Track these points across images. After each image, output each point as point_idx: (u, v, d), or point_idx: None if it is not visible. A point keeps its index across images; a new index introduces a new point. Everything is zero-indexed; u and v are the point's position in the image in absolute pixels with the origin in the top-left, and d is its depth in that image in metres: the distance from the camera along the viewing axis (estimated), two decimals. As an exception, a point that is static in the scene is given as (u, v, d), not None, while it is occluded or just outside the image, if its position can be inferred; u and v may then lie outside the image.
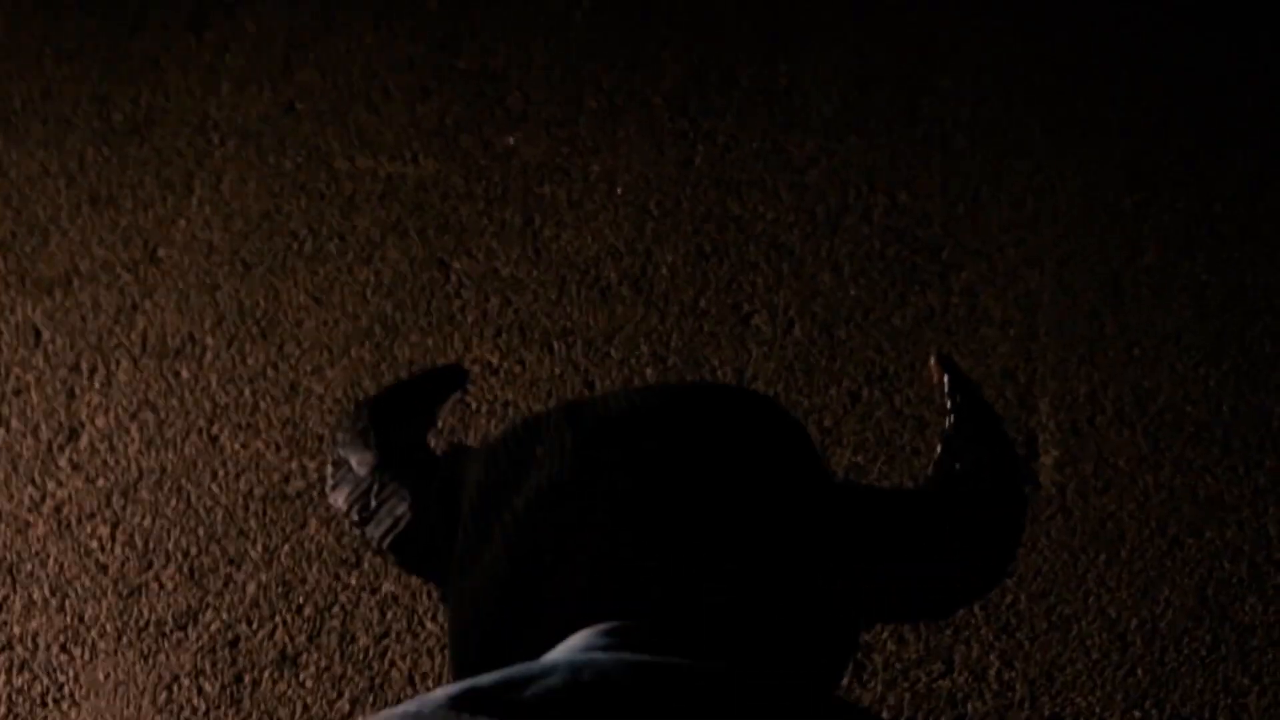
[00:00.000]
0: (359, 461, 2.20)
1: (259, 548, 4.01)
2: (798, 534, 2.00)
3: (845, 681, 3.47)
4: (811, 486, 2.10)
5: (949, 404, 2.34)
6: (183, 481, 4.16)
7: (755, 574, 1.92)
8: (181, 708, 3.77)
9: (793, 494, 2.05)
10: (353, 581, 3.92)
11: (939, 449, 2.28)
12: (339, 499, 2.18)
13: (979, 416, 2.33)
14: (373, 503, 2.15)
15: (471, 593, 1.95)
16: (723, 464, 2.00)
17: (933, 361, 2.42)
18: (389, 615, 3.86)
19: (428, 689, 2.95)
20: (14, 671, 3.82)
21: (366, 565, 3.93)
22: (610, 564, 1.85)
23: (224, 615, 3.91)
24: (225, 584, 3.96)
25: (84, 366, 4.42)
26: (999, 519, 2.18)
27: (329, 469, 2.22)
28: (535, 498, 1.93)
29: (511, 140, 4.95)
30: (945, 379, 2.37)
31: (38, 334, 4.50)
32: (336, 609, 3.88)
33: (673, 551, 1.87)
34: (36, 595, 3.95)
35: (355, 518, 2.16)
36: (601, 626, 1.75)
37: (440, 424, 4.10)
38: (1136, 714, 3.69)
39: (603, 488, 1.91)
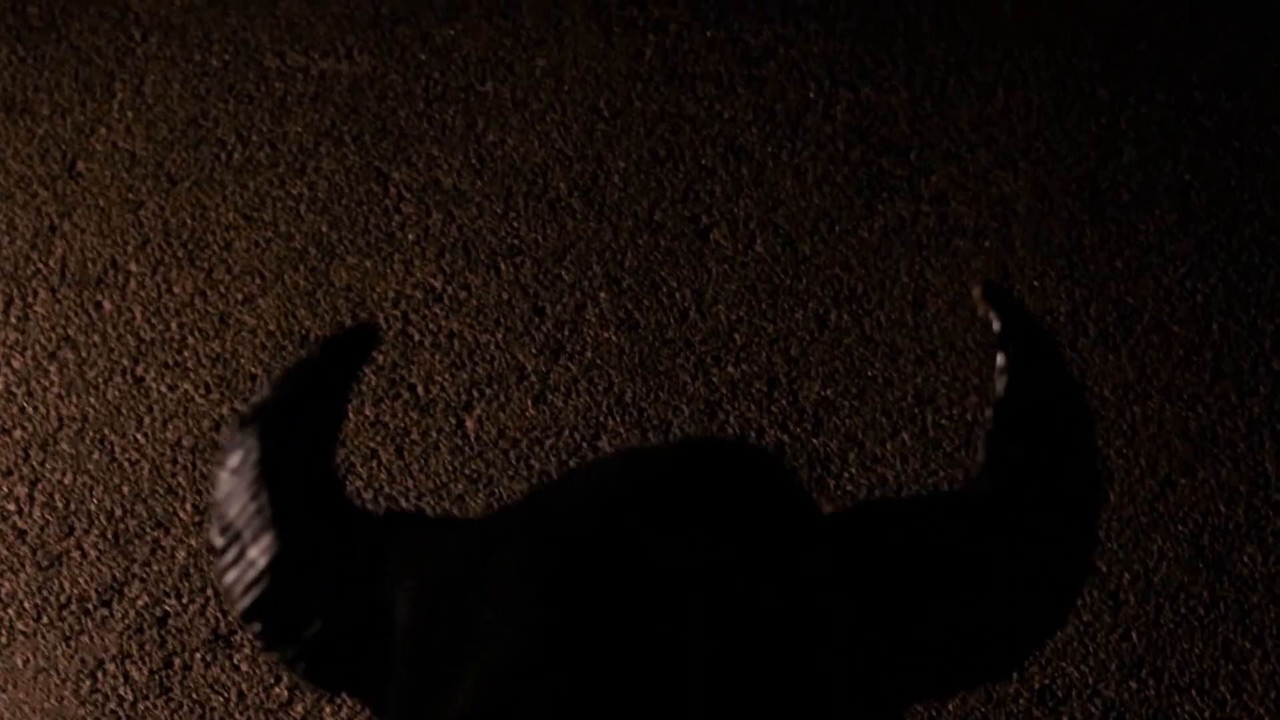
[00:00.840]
0: (256, 544, 1.59)
1: (188, 507, 3.37)
2: (806, 647, 1.42)
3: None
4: (814, 574, 1.47)
5: (1002, 357, 1.59)
6: (106, 431, 3.49)
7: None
8: (107, 698, 3.15)
9: (797, 600, 1.44)
10: (289, 549, 3.27)
11: (989, 421, 1.55)
12: (237, 595, 1.58)
13: (1042, 373, 1.59)
14: (278, 612, 1.56)
15: None
16: (713, 595, 1.42)
17: (977, 293, 1.65)
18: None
19: None
20: (-75, 660, 3.19)
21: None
22: None
23: (151, 588, 3.27)
24: (152, 551, 3.32)
25: (-1, 299, 3.72)
26: (1070, 528, 1.53)
27: (214, 532, 1.62)
28: (498, 670, 1.39)
29: (451, 32, 4.20)
30: (996, 319, 1.61)
31: (-52, 263, 3.80)
32: (273, 578, 3.24)
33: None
34: (-52, 569, 3.31)
35: (258, 629, 1.57)
36: None
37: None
38: (1132, 684, 3.11)
39: (576, 664, 1.38)
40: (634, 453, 1.75)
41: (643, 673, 1.37)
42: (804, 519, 1.53)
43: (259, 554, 1.58)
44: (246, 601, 1.57)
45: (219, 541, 1.61)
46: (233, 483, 1.62)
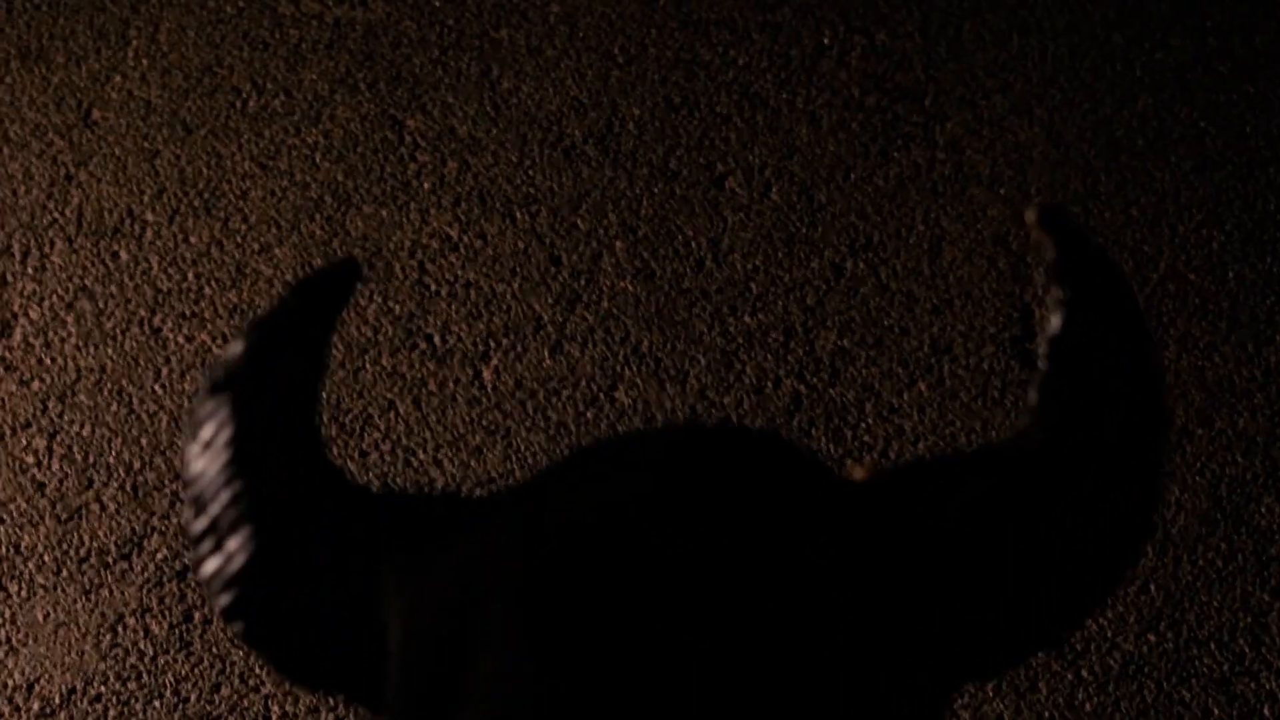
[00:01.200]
0: (234, 536, 1.40)
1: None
2: (840, 647, 1.24)
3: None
4: (845, 562, 1.29)
5: (1060, 290, 1.35)
6: (124, 382, 3.37)
7: None
8: (127, 651, 3.05)
9: (827, 597, 1.26)
10: (308, 501, 3.15)
11: (1042, 362, 1.35)
12: (216, 590, 1.39)
13: (1105, 308, 1.37)
14: (260, 613, 1.38)
15: None
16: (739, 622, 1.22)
17: (1031, 216, 1.39)
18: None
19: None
20: (-55, 614, 3.08)
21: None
22: None
23: (171, 542, 3.16)
24: (172, 504, 3.21)
25: (15, 248, 3.60)
26: (1133, 483, 1.33)
27: (189, 515, 1.42)
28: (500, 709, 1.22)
29: (465, -22, 4.05)
30: (1052, 247, 1.37)
31: (-35, 213, 3.66)
32: (291, 531, 3.12)
33: None
34: (-32, 522, 3.19)
35: (239, 629, 1.39)
36: None
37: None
38: (1151, 638, 3.00)
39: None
40: (637, 454, 1.47)
41: None
42: (827, 502, 1.34)
43: (238, 548, 1.39)
44: (226, 599, 1.40)
45: (195, 527, 1.42)
46: (205, 461, 1.43)
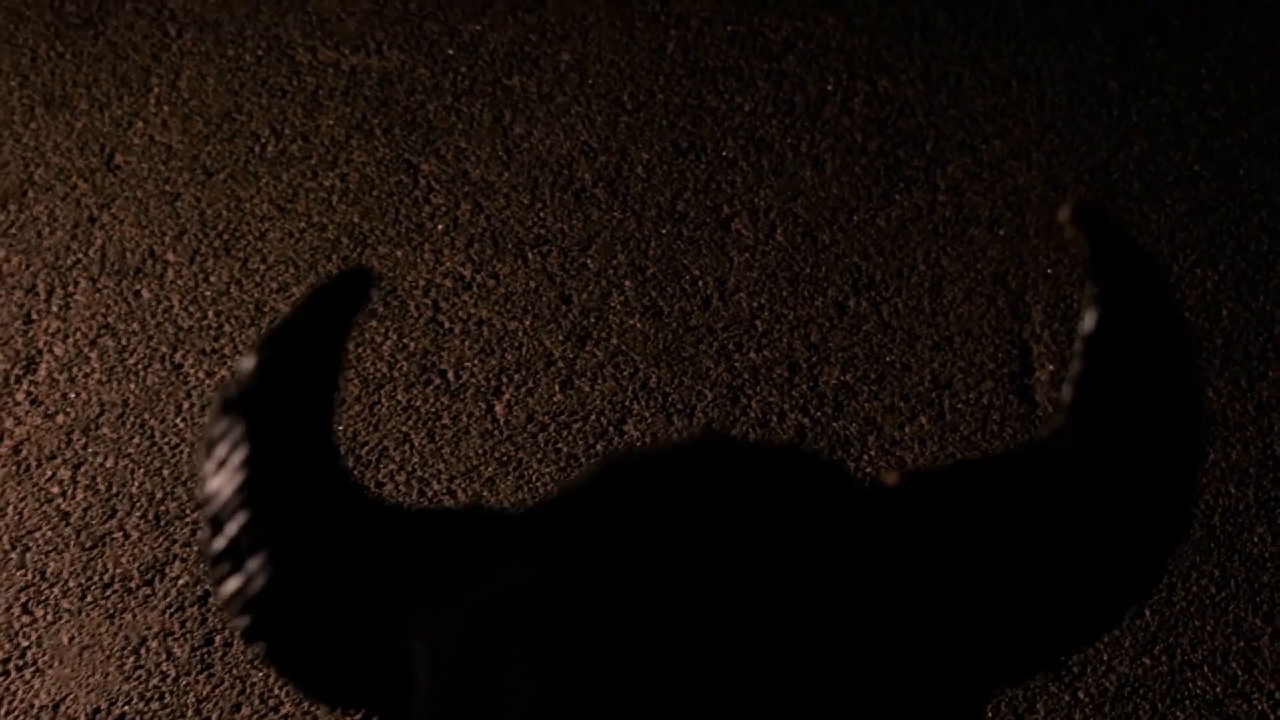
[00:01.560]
0: (254, 558, 1.38)
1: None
2: (874, 656, 1.26)
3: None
4: (873, 568, 1.29)
5: (1094, 287, 1.34)
6: (146, 416, 3.51)
7: None
8: (150, 673, 3.17)
9: (859, 608, 1.27)
10: (325, 530, 3.29)
11: (1076, 360, 1.34)
12: (236, 611, 1.39)
13: (1142, 305, 1.34)
14: (282, 636, 1.39)
15: None
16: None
17: (1065, 214, 1.37)
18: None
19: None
20: (-27, 637, 3.20)
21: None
22: None
23: (192, 568, 3.29)
24: (193, 532, 3.34)
25: (40, 288, 3.74)
26: (1169, 484, 1.31)
27: (207, 535, 1.40)
28: None
29: (478, 27, 4.21)
30: (1087, 244, 1.36)
31: (-8, 253, 3.81)
32: (309, 558, 3.25)
33: None
34: (-5, 550, 3.32)
35: (260, 651, 1.40)
36: None
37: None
38: (1146, 661, 3.12)
39: None
40: (658, 473, 1.42)
41: None
42: (853, 512, 1.34)
43: (257, 569, 1.39)
44: (246, 620, 1.40)
45: (213, 548, 1.41)
46: (221, 480, 1.41)
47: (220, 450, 1.40)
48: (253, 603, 1.36)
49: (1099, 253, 1.35)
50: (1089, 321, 1.32)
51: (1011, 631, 1.29)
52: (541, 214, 3.83)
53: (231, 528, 1.37)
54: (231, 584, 1.37)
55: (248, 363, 1.43)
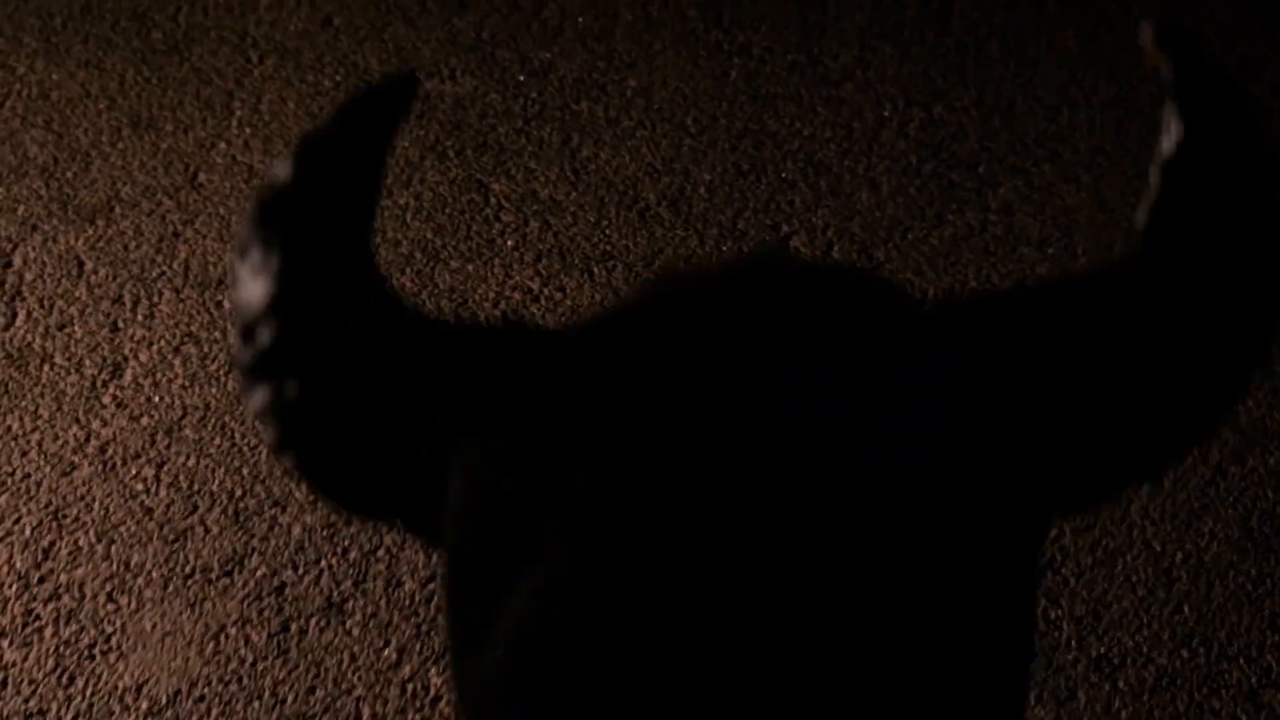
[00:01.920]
0: (287, 375, 1.34)
1: (303, 487, 3.56)
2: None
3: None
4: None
5: (1175, 109, 1.30)
6: (226, 419, 3.71)
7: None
8: (229, 658, 3.35)
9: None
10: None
11: (1154, 187, 1.29)
12: (267, 422, 1.35)
13: (1224, 127, 1.28)
14: (312, 448, 1.34)
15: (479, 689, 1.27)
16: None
17: (1148, 36, 1.35)
18: (434, 559, 3.42)
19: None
20: (61, 623, 3.40)
21: (410, 511, 3.48)
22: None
23: (269, 560, 3.48)
24: (270, 527, 3.52)
25: (126, 298, 3.95)
26: (1252, 312, 1.25)
27: (237, 342, 1.37)
28: (555, 591, 1.20)
29: (548, 55, 4.42)
30: (1168, 66, 1.32)
31: (80, 264, 4.03)
32: (382, 553, 3.45)
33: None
34: (83, 541, 3.52)
35: (291, 461, 1.37)
36: None
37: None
38: (1184, 653, 3.25)
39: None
40: (720, 295, 1.29)
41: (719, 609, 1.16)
42: (921, 332, 1.26)
43: (286, 380, 1.33)
44: (276, 432, 1.35)
45: (244, 358, 1.36)
46: (254, 289, 1.36)
47: (253, 258, 1.35)
48: (282, 414, 1.33)
49: (1181, 73, 1.30)
50: (1167, 145, 1.28)
51: (1076, 455, 1.24)
52: (607, 231, 4.02)
53: (262, 339, 1.33)
54: (260, 395, 1.34)
55: (283, 168, 1.37)
